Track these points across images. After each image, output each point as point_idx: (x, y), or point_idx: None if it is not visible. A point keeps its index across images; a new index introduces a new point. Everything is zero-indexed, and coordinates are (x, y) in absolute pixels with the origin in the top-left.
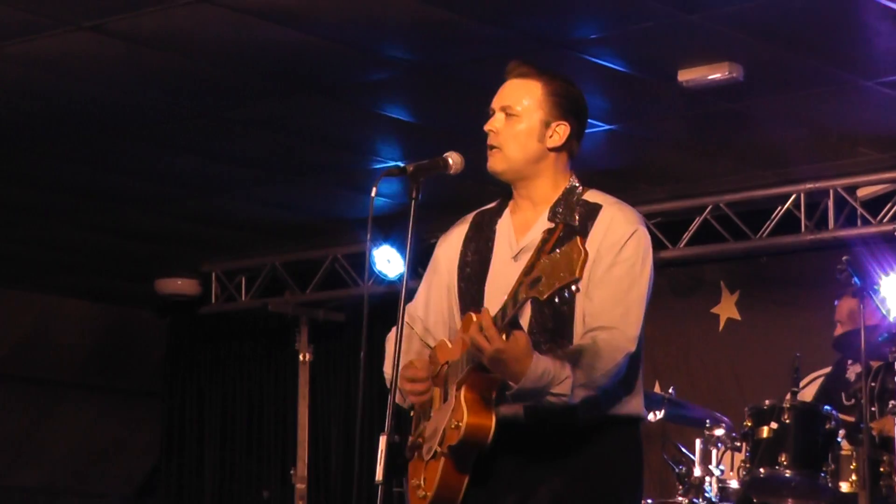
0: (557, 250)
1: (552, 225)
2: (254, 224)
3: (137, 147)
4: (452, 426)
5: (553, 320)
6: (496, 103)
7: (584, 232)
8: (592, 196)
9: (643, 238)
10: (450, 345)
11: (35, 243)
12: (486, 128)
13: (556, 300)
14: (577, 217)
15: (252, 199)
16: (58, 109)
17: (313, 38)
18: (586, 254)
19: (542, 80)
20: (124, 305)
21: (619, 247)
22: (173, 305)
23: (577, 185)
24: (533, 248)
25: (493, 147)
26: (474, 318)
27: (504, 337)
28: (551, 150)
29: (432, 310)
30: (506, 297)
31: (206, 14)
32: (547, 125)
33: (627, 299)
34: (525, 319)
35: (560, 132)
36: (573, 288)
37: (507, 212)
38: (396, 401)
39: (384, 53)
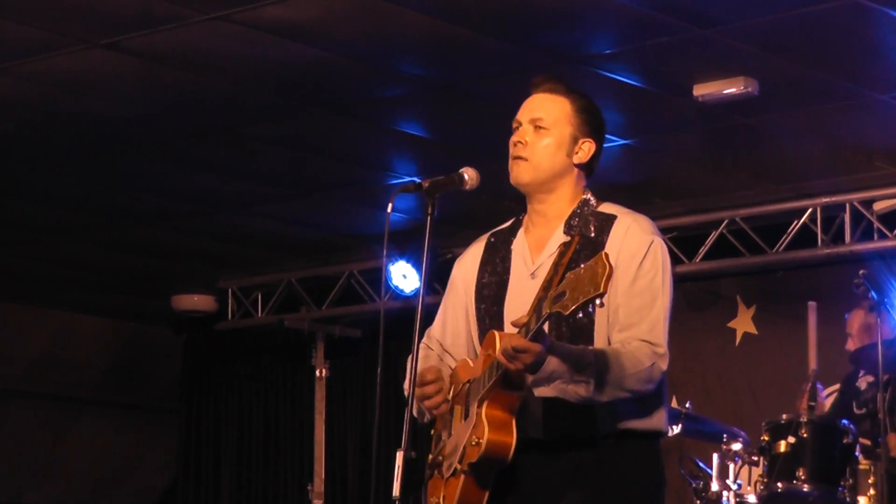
0: (582, 265)
1: (568, 238)
2: (270, 240)
3: (154, 164)
4: (473, 443)
5: (571, 335)
6: (523, 116)
7: (600, 243)
8: (606, 207)
9: (660, 248)
10: (471, 363)
11: (51, 260)
12: (514, 139)
13: (580, 314)
14: (592, 228)
15: (268, 215)
16: (73, 127)
17: (328, 54)
18: (611, 269)
19: (570, 98)
20: (141, 322)
21: (640, 259)
22: (190, 322)
23: (591, 198)
24: (550, 265)
25: (519, 158)
26: (497, 337)
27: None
28: (576, 165)
29: (450, 331)
30: (526, 314)
31: (221, 31)
32: (575, 140)
33: (652, 315)
34: None
35: (586, 149)
36: (598, 302)
37: (521, 231)
38: (415, 415)
39: (399, 69)
